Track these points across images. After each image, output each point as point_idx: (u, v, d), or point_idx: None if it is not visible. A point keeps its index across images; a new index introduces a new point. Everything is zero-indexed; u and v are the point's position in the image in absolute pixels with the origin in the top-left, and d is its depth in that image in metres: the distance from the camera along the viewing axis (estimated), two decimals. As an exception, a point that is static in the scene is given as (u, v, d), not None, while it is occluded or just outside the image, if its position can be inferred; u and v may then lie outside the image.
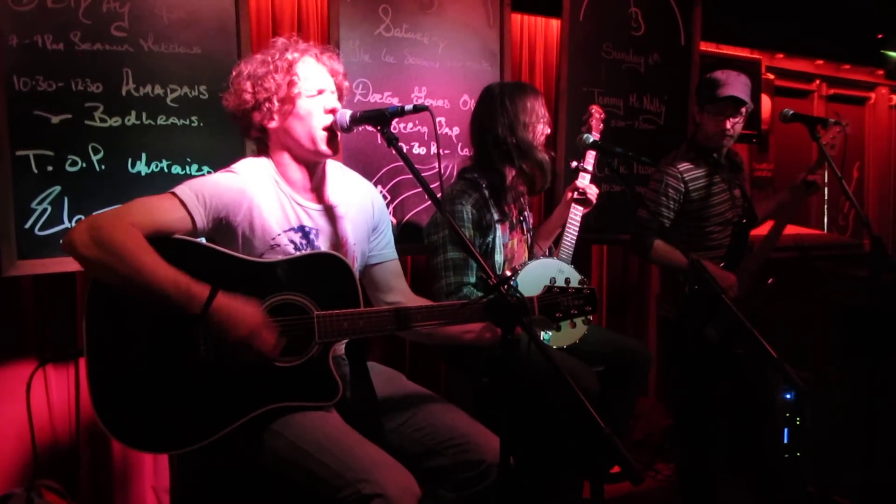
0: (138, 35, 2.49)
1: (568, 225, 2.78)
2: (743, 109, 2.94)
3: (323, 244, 2.01)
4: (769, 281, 2.89)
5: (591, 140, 2.69)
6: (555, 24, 3.70)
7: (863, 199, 5.88)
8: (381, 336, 2.80)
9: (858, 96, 5.82)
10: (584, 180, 2.80)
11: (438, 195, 1.86)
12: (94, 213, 1.74)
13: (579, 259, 2.85)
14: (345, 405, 1.91)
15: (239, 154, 2.46)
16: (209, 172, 1.99)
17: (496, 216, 2.65)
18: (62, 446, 2.68)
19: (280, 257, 1.90)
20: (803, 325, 3.32)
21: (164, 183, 2.41)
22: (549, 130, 2.74)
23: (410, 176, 2.88)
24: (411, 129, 3.09)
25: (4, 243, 2.31)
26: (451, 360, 2.82)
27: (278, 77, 1.92)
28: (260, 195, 1.92)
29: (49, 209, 2.39)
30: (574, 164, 2.85)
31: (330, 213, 2.04)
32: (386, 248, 2.21)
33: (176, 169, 2.59)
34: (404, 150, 2.12)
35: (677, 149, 3.12)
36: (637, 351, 2.81)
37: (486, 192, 2.63)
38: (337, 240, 2.04)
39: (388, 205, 3.02)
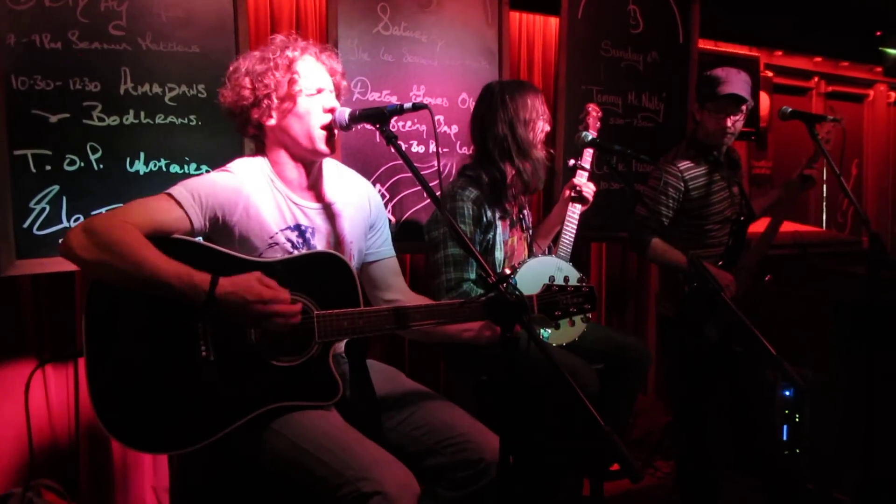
0: (136, 34, 2.49)
1: (566, 223, 2.78)
2: (743, 107, 2.94)
3: (319, 243, 2.00)
4: (766, 279, 2.89)
5: (590, 138, 2.69)
6: (553, 21, 3.70)
7: (861, 196, 5.89)
8: (380, 335, 2.80)
9: (857, 93, 5.83)
10: (581, 178, 2.80)
11: (437, 193, 1.86)
12: (89, 218, 1.73)
13: (578, 257, 2.85)
14: (344, 404, 1.91)
15: (237, 153, 2.46)
16: (207, 171, 1.99)
17: (496, 213, 2.65)
18: (62, 446, 2.68)
19: (279, 256, 1.89)
20: (802, 322, 3.32)
21: (162, 182, 2.40)
22: (549, 128, 2.74)
23: (409, 174, 2.88)
24: (410, 127, 3.09)
25: (3, 243, 2.31)
26: (451, 358, 2.82)
27: (278, 74, 1.91)
28: (256, 194, 1.91)
29: (47, 208, 2.39)
30: (572, 162, 2.85)
31: (326, 211, 2.04)
32: (383, 246, 2.20)
33: (174, 168, 2.58)
34: (403, 149, 2.12)
35: (677, 147, 3.11)
36: (636, 349, 2.81)
37: (487, 190, 2.64)
38: (334, 238, 2.04)
39: (387, 203, 3.03)
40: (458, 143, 3.21)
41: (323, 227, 2.02)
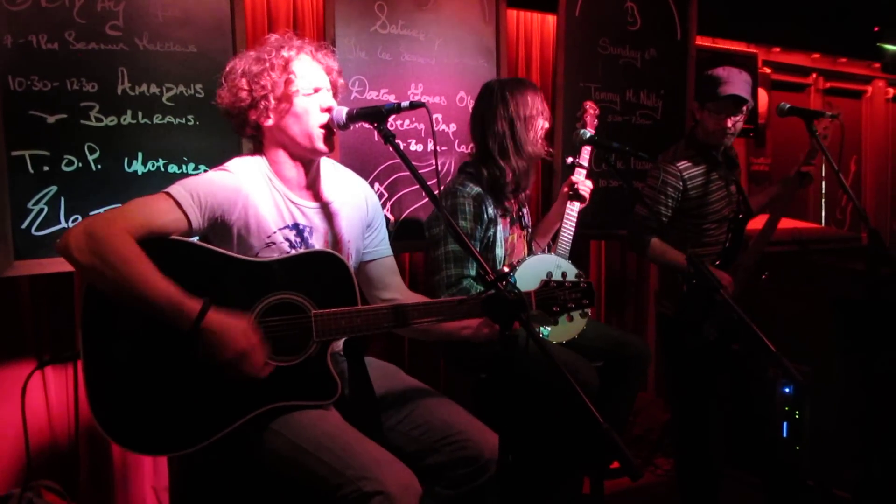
0: (133, 34, 2.49)
1: (564, 221, 2.78)
2: (744, 108, 2.94)
3: (317, 242, 2.00)
4: (763, 276, 2.89)
5: (588, 135, 2.70)
6: (551, 19, 3.70)
7: (860, 193, 5.89)
8: (378, 333, 2.80)
9: (855, 89, 5.83)
10: (579, 176, 2.80)
11: (436, 192, 1.85)
12: (89, 217, 1.73)
13: (578, 255, 2.85)
14: (343, 403, 1.91)
15: (235, 152, 2.45)
16: (205, 171, 1.99)
17: (497, 210, 2.65)
18: (61, 446, 2.68)
19: (276, 256, 1.89)
20: (801, 319, 3.32)
21: (160, 182, 2.40)
22: (548, 125, 2.75)
23: (408, 173, 2.87)
24: (408, 125, 3.09)
25: (1, 244, 2.31)
26: (450, 356, 2.82)
27: (274, 75, 1.91)
28: (254, 193, 1.91)
29: (45, 209, 2.38)
30: (570, 159, 2.85)
31: (324, 210, 2.04)
32: (380, 245, 2.20)
33: (172, 168, 2.58)
34: (401, 147, 2.12)
35: (676, 145, 3.11)
36: (636, 346, 2.81)
37: (487, 187, 2.65)
38: (332, 237, 2.04)
39: (385, 202, 3.02)
40: (457, 141, 3.21)
41: (321, 227, 2.02)
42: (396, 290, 2.21)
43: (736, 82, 2.88)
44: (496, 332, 1.66)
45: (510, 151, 2.64)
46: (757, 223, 3.04)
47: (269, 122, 1.95)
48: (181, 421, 1.74)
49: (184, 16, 2.57)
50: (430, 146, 3.12)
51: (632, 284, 4.28)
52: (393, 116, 1.90)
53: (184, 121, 2.59)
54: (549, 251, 2.87)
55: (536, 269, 2.56)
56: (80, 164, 2.43)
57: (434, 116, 3.14)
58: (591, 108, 2.96)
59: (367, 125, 2.12)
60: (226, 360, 1.69)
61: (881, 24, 5.21)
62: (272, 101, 1.92)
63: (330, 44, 2.75)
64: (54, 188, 2.39)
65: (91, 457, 2.71)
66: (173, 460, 2.16)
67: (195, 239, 1.85)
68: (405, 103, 1.87)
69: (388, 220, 2.99)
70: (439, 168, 3.16)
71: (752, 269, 2.89)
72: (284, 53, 1.93)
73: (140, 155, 2.53)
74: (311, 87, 1.95)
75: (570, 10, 3.45)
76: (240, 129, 2.01)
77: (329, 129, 1.95)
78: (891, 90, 6.08)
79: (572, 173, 2.81)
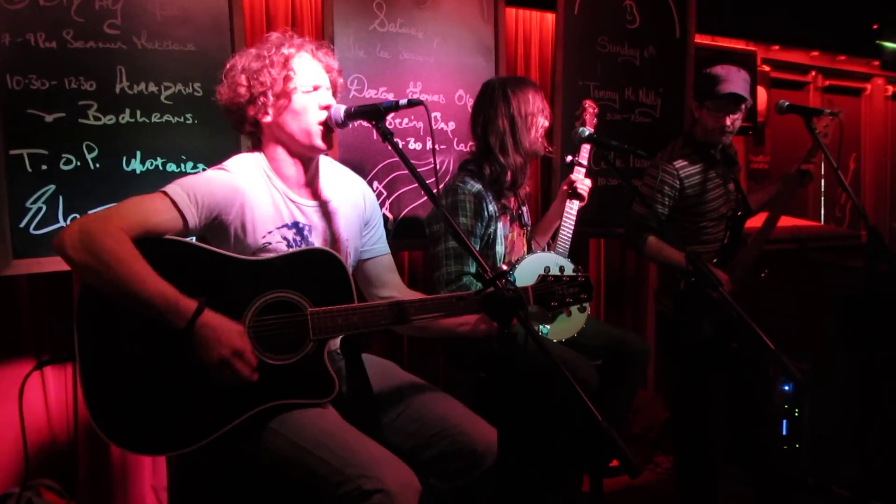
0: (131, 32, 2.49)
1: (564, 219, 2.79)
2: (743, 106, 2.94)
3: (317, 240, 2.00)
4: (762, 275, 2.89)
5: (587, 133, 2.69)
6: (550, 17, 3.69)
7: (859, 190, 5.89)
8: (376, 331, 2.80)
9: (854, 87, 5.83)
10: (578, 174, 2.81)
11: (434, 191, 1.85)
12: (85, 216, 1.72)
13: (577, 254, 2.85)
14: (341, 401, 1.90)
15: (234, 151, 2.44)
16: (204, 170, 1.99)
17: (497, 208, 2.66)
18: (61, 446, 2.68)
19: (272, 255, 1.89)
20: (801, 316, 3.32)
21: (159, 181, 2.40)
22: (548, 124, 2.75)
23: (407, 171, 2.87)
24: (407, 124, 3.09)
25: (-1, 243, 2.31)
26: (450, 355, 2.82)
27: (274, 71, 1.91)
28: (252, 192, 1.91)
29: (44, 208, 2.38)
30: (569, 158, 2.85)
31: (323, 209, 2.03)
32: (378, 243, 2.20)
33: (171, 167, 2.58)
34: (400, 146, 2.12)
35: (673, 143, 3.11)
36: (635, 344, 2.81)
37: (488, 184, 2.65)
38: (330, 236, 2.04)
39: (384, 200, 3.02)
40: (455, 139, 3.21)
41: (320, 225, 2.02)
42: (395, 288, 2.21)
43: (735, 80, 2.88)
44: (494, 329, 1.66)
45: (510, 148, 2.65)
46: (756, 221, 3.04)
47: (268, 119, 1.95)
48: (179, 421, 1.73)
49: (182, 14, 2.56)
50: (429, 144, 3.11)
51: (631, 283, 4.28)
52: (392, 115, 1.91)
53: (182, 119, 2.59)
54: (549, 250, 2.87)
55: (535, 266, 2.55)
56: (79, 163, 2.43)
57: (433, 115, 3.13)
58: (590, 107, 2.96)
59: (365, 123, 2.12)
60: (215, 360, 1.69)
61: (880, 22, 5.21)
62: (271, 98, 1.92)
63: (328, 42, 2.75)
64: (52, 187, 2.39)
65: (90, 456, 2.71)
66: (172, 460, 2.16)
67: (192, 239, 1.85)
68: (403, 101, 1.88)
69: (386, 218, 2.99)
70: (438, 166, 3.15)
71: (751, 267, 2.89)
72: (285, 51, 1.94)
73: (138, 154, 2.52)
74: (311, 85, 1.95)
75: (568, 9, 3.45)
76: (238, 126, 2.01)
77: (327, 126, 1.96)
78: (890, 88, 6.08)
79: (571, 172, 2.82)
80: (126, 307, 1.68)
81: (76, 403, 2.67)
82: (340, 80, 2.08)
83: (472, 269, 2.56)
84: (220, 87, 1.98)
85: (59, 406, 2.68)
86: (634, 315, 4.30)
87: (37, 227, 2.37)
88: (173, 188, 1.82)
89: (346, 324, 1.82)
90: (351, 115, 1.93)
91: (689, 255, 2.21)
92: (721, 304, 2.07)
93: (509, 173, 2.67)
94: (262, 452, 1.80)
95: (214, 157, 2.33)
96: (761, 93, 4.88)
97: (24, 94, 2.34)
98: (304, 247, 1.96)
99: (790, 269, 3.55)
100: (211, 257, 1.81)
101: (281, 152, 1.98)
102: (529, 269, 2.55)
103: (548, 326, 2.57)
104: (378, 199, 2.40)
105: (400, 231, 3.04)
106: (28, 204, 2.36)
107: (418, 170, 1.87)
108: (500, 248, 2.67)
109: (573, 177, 2.80)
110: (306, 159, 2.00)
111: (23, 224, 2.35)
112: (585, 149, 2.85)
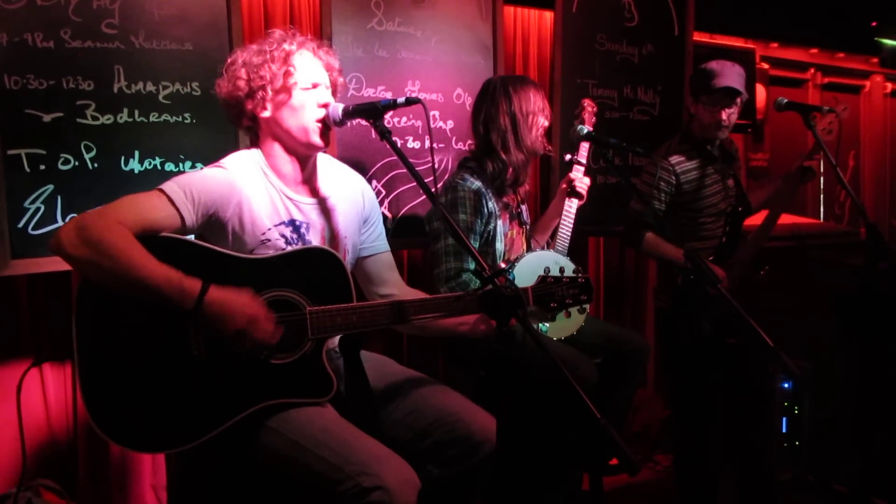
0: (129, 32, 2.48)
1: (563, 218, 2.79)
2: (738, 100, 2.94)
3: (314, 238, 2.00)
4: (762, 272, 2.89)
5: (586, 131, 2.69)
6: (548, 16, 3.69)
7: (859, 188, 5.89)
8: (375, 331, 2.80)
9: (853, 84, 5.83)
10: (577, 173, 2.81)
11: (433, 189, 1.85)
12: (81, 214, 1.72)
13: (576, 252, 2.85)
14: (339, 399, 1.90)
15: (233, 149, 2.43)
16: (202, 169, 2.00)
17: (497, 205, 2.66)
18: (60, 446, 2.68)
19: (271, 253, 1.89)
20: (800, 313, 3.32)
21: (157, 180, 2.36)
22: (547, 124, 2.76)
23: (405, 170, 2.88)
24: (405, 123, 3.09)
25: (-2, 243, 2.30)
26: (449, 353, 2.82)
27: (274, 67, 1.92)
28: (249, 189, 1.91)
29: (42, 208, 2.38)
30: (568, 156, 2.86)
31: (321, 206, 2.03)
32: (378, 241, 2.20)
33: (169, 166, 2.58)
34: (398, 145, 2.12)
35: (670, 141, 3.11)
36: (635, 342, 2.81)
37: (489, 181, 2.66)
38: (328, 233, 2.04)
39: (383, 199, 3.02)
40: (454, 138, 3.21)
41: (317, 223, 2.01)
42: (394, 286, 2.20)
43: (729, 74, 2.89)
44: (493, 328, 1.66)
45: (511, 145, 2.66)
46: (756, 219, 3.04)
47: (266, 114, 1.95)
48: (175, 418, 1.73)
49: (180, 13, 2.56)
50: (428, 143, 3.11)
51: (630, 281, 4.28)
52: (390, 113, 1.91)
53: (180, 119, 2.59)
54: (548, 248, 2.87)
55: (535, 265, 2.55)
56: (77, 163, 2.42)
57: (431, 113, 3.13)
58: (588, 106, 2.97)
59: (363, 122, 2.12)
60: (232, 334, 1.69)
61: (879, 19, 5.21)
62: (269, 92, 1.92)
63: (326, 41, 2.75)
64: (51, 187, 2.39)
65: (90, 456, 2.71)
66: (171, 459, 2.16)
67: (191, 237, 1.85)
68: (401, 99, 1.88)
69: (385, 217, 2.99)
70: (436, 165, 3.15)
71: (750, 264, 2.88)
72: (286, 47, 1.95)
73: (137, 153, 2.52)
74: (310, 82, 1.96)
75: (567, 6, 3.45)
76: (236, 121, 2.02)
77: (325, 124, 1.96)
78: (889, 85, 6.08)
79: (570, 170, 2.82)
80: (128, 300, 1.68)
81: (76, 403, 2.67)
82: (341, 80, 2.08)
83: (472, 266, 2.56)
84: (220, 80, 1.98)
85: (59, 406, 2.68)
86: (634, 313, 4.31)
87: (35, 228, 2.37)
88: (169, 185, 1.82)
89: (345, 323, 1.82)
90: (349, 114, 1.93)
91: (687, 251, 2.21)
92: (719, 300, 2.07)
93: (511, 170, 2.68)
94: (261, 451, 1.80)
95: (213, 157, 2.32)
96: (760, 90, 4.88)
97: (22, 94, 2.33)
98: (300, 245, 1.95)
99: (789, 267, 3.55)
100: (209, 255, 1.81)
101: (278, 149, 1.98)
102: (529, 267, 2.55)
103: (547, 324, 2.57)
104: (377, 198, 2.39)
105: (399, 229, 3.04)
106: (26, 204, 2.36)
107: (417, 168, 1.87)
108: (499, 246, 2.68)
109: (572, 175, 2.80)
110: (303, 157, 2.00)
111: (21, 224, 2.35)
112: (584, 147, 2.85)
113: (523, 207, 2.86)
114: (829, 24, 4.95)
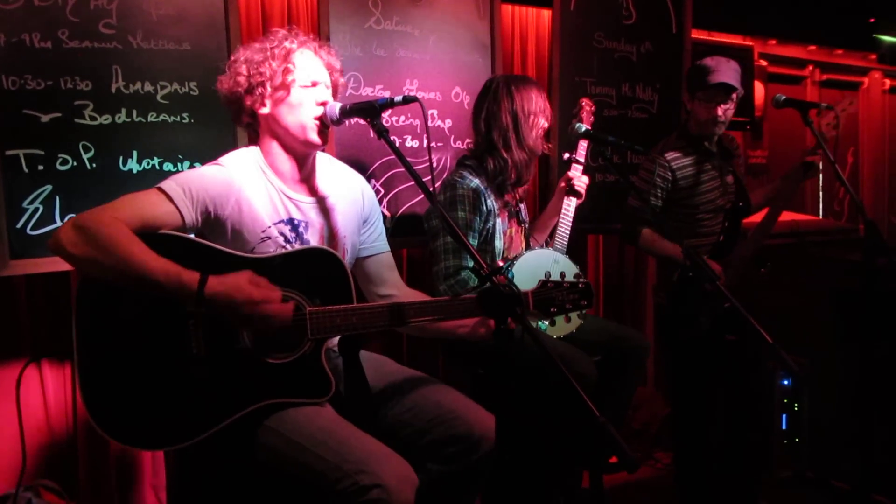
0: (127, 32, 2.48)
1: (562, 216, 2.79)
2: (734, 95, 2.95)
3: (313, 237, 2.00)
4: (762, 270, 2.89)
5: (584, 129, 2.70)
6: (546, 14, 3.69)
7: (857, 185, 5.89)
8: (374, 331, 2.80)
9: (852, 81, 5.82)
10: (575, 171, 2.81)
11: (431, 188, 1.85)
12: (79, 214, 1.72)
13: (575, 250, 2.85)
14: (338, 398, 1.91)
15: (231, 149, 2.44)
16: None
17: (496, 203, 2.66)
18: (60, 445, 2.68)
19: (271, 252, 1.89)
20: (799, 310, 3.32)
21: (155, 180, 2.35)
22: (547, 125, 2.76)
23: (404, 169, 2.88)
24: (404, 122, 3.08)
25: (-4, 244, 2.30)
26: (449, 352, 2.82)
27: (274, 64, 1.92)
28: (248, 187, 1.91)
29: (41, 208, 2.38)
30: (567, 155, 2.86)
31: (320, 205, 2.03)
32: (377, 241, 2.20)
33: (168, 166, 2.58)
34: (396, 144, 2.12)
35: (667, 138, 3.12)
36: (634, 339, 2.81)
37: (489, 179, 2.66)
38: (328, 233, 2.04)
39: (382, 198, 3.02)
40: (452, 137, 3.21)
41: (316, 222, 2.02)
42: (394, 286, 2.20)
43: (724, 70, 2.89)
44: (492, 331, 1.65)
45: (513, 144, 2.66)
46: (756, 217, 3.04)
47: (265, 110, 1.95)
48: (174, 416, 1.73)
49: (177, 13, 2.56)
50: (426, 142, 3.11)
51: (630, 278, 4.28)
52: (388, 112, 1.91)
53: (178, 119, 2.59)
54: (547, 246, 2.87)
55: (534, 264, 2.57)
56: (75, 163, 2.42)
57: (429, 112, 3.13)
58: (587, 105, 2.97)
59: (362, 122, 2.12)
60: (241, 321, 1.68)
61: (876, 16, 5.21)
62: (269, 89, 1.93)
63: (324, 40, 2.75)
64: (49, 187, 2.39)
65: (90, 456, 2.71)
66: (171, 459, 2.16)
67: (191, 235, 1.85)
68: (398, 98, 1.88)
69: (384, 216, 2.98)
70: (435, 164, 3.15)
71: (750, 261, 2.88)
72: (287, 45, 1.96)
73: (135, 153, 2.52)
74: (309, 80, 1.96)
75: (565, 4, 3.45)
76: (236, 118, 2.02)
77: (323, 122, 1.96)
78: (887, 82, 6.08)
79: (569, 169, 2.82)
80: (127, 298, 1.68)
81: (76, 404, 2.67)
82: (342, 81, 2.10)
83: (470, 264, 2.56)
84: (222, 77, 1.99)
85: (59, 406, 2.68)
86: (633, 311, 4.31)
87: (34, 228, 2.37)
88: (168, 183, 1.82)
89: (344, 324, 1.82)
90: (346, 112, 1.93)
91: (685, 247, 2.21)
92: (716, 296, 2.07)
93: (513, 168, 2.68)
94: (260, 450, 1.81)
95: (211, 157, 2.31)
96: (758, 88, 4.88)
97: (20, 95, 2.33)
98: (299, 244, 1.96)
99: (788, 263, 3.55)
100: (209, 253, 1.81)
101: (276, 147, 1.98)
102: (527, 265, 2.56)
103: (545, 324, 2.57)
104: (376, 197, 2.39)
105: (398, 228, 3.04)
106: (25, 204, 2.36)
107: (415, 167, 1.87)
108: (498, 243, 2.68)
109: (571, 174, 2.80)
110: (301, 155, 2.00)
111: (20, 224, 2.35)
112: (582, 145, 2.85)
113: (522, 206, 2.86)
114: (828, 20, 4.96)
